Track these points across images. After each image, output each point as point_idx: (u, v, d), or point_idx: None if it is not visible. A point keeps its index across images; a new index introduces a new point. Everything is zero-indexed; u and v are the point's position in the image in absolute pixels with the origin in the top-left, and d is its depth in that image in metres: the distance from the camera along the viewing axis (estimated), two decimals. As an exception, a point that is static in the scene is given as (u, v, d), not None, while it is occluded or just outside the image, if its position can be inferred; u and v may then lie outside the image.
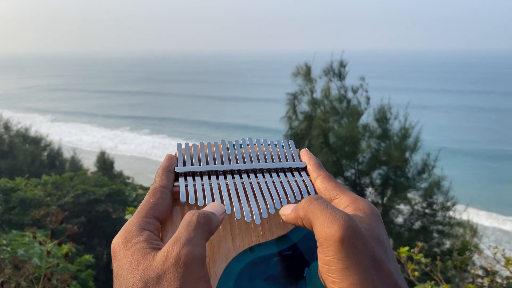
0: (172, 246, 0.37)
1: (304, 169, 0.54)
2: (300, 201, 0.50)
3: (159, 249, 0.38)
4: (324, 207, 0.40)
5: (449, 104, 36.73)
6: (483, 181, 17.80)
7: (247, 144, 0.57)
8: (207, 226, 0.40)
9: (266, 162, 0.55)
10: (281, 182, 0.52)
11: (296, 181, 0.52)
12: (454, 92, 45.92)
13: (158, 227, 0.43)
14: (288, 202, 0.50)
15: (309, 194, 0.50)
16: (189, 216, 0.40)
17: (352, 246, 0.37)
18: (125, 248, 0.39)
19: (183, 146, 0.55)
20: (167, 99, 44.80)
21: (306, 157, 0.55)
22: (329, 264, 0.38)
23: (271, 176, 0.52)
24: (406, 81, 56.82)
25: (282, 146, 0.58)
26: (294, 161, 0.55)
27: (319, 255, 0.39)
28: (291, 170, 0.54)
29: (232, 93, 47.15)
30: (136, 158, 21.66)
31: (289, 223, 0.48)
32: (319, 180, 0.50)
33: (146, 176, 15.30)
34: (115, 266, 0.39)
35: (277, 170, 0.54)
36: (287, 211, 0.46)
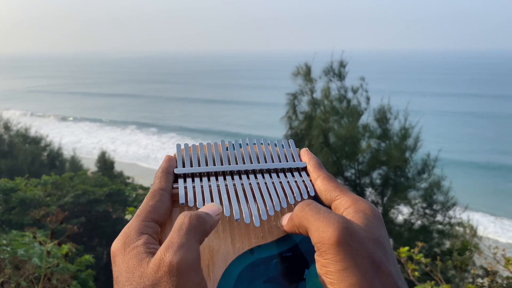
0: (164, 253, 0.36)
1: (304, 169, 0.54)
2: (299, 202, 0.50)
3: (152, 253, 0.38)
4: (317, 212, 0.40)
5: (447, 109, 35.01)
6: (487, 193, 16.49)
7: (247, 144, 0.56)
8: (200, 228, 0.39)
9: (266, 162, 0.54)
10: (280, 183, 0.51)
11: (296, 181, 0.52)
12: (451, 95, 44.34)
13: (157, 231, 0.43)
14: (288, 204, 0.49)
15: (309, 195, 0.50)
16: (181, 218, 0.39)
17: (349, 247, 0.37)
18: (123, 253, 0.39)
19: (182, 146, 0.54)
20: (154, 101, 43.79)
21: (306, 157, 0.54)
22: (327, 266, 0.38)
23: (270, 177, 0.52)
24: (404, 83, 55.21)
25: (282, 145, 0.57)
26: (294, 161, 0.55)
27: (316, 258, 0.39)
28: (291, 170, 0.53)
29: (225, 96, 45.80)
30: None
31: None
32: (319, 181, 0.49)
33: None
34: (115, 271, 0.38)
35: (277, 171, 0.53)
36: (284, 222, 0.46)
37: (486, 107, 36.98)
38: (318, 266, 0.39)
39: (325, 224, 0.38)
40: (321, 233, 0.38)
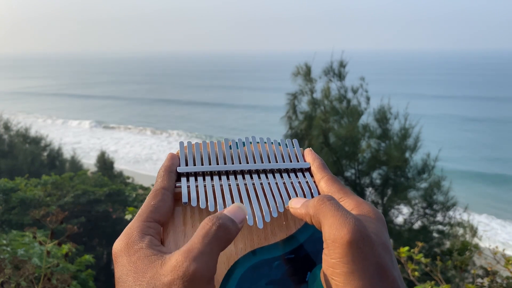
0: (184, 258, 0.35)
1: (308, 169, 0.53)
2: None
3: (162, 254, 0.37)
4: (336, 209, 0.40)
5: (446, 112, 32.99)
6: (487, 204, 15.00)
7: (250, 143, 0.56)
8: (224, 239, 0.38)
9: (269, 162, 0.54)
10: (284, 183, 0.51)
11: (299, 182, 0.51)
12: (451, 97, 42.45)
13: (159, 231, 0.43)
14: None
15: (312, 196, 0.50)
16: (208, 225, 0.38)
17: (359, 250, 0.37)
18: (128, 254, 0.38)
19: (185, 144, 0.54)
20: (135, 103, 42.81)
21: (310, 158, 0.54)
22: (334, 267, 0.37)
23: (274, 177, 0.52)
24: (402, 84, 53.39)
25: (286, 145, 0.56)
26: (298, 161, 0.54)
27: (324, 256, 0.39)
28: (294, 171, 0.53)
29: (223, 99, 44.45)
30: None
31: (291, 226, 0.48)
32: (323, 182, 0.49)
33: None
34: (118, 271, 0.38)
35: (280, 171, 0.53)
36: (296, 205, 0.45)
37: (486, 110, 35.29)
38: (324, 267, 0.39)
39: (341, 223, 0.38)
40: (335, 231, 0.38)
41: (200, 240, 0.37)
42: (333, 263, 0.37)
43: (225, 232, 0.38)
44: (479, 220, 13.02)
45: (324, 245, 0.39)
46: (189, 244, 0.37)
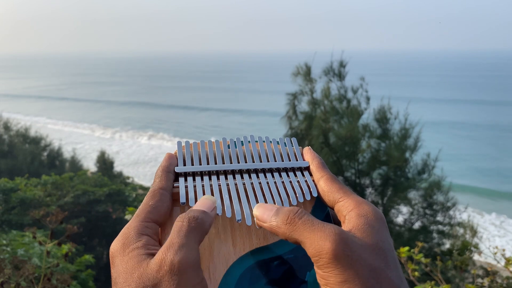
0: (166, 253, 0.36)
1: (307, 168, 0.53)
2: (299, 202, 0.49)
3: (151, 255, 0.38)
4: (311, 225, 0.39)
5: (446, 119, 30.88)
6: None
7: (249, 142, 0.55)
8: (199, 229, 0.40)
9: (268, 161, 0.53)
10: (283, 182, 0.51)
11: (298, 181, 0.51)
12: (451, 101, 40.54)
13: (157, 231, 0.43)
14: (290, 205, 0.48)
15: (311, 195, 0.49)
16: (180, 222, 0.40)
17: (347, 258, 0.37)
18: (122, 254, 0.39)
19: (183, 144, 0.53)
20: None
21: (309, 156, 0.54)
22: (326, 278, 0.37)
23: (273, 176, 0.51)
24: (401, 86, 51.63)
25: (285, 143, 0.56)
26: (297, 160, 0.54)
27: (316, 269, 0.39)
28: (293, 170, 0.53)
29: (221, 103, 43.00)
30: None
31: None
32: (322, 181, 0.49)
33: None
34: (113, 272, 0.38)
35: (279, 170, 0.52)
36: (262, 217, 0.43)
37: (488, 115, 33.10)
38: (318, 278, 0.39)
39: (321, 237, 0.38)
40: (317, 247, 0.38)
41: (176, 235, 0.38)
42: (325, 275, 0.37)
43: (197, 222, 0.40)
44: (491, 222, 12.73)
45: (313, 261, 0.39)
46: (167, 241, 0.38)
